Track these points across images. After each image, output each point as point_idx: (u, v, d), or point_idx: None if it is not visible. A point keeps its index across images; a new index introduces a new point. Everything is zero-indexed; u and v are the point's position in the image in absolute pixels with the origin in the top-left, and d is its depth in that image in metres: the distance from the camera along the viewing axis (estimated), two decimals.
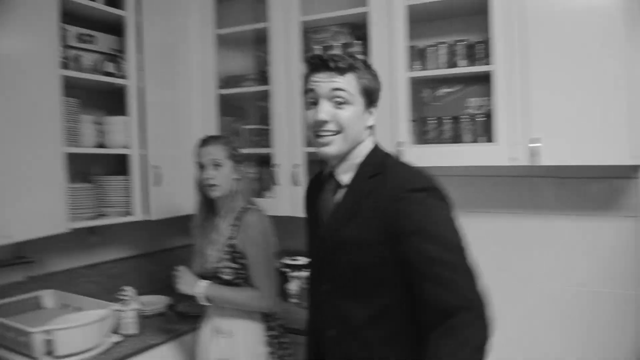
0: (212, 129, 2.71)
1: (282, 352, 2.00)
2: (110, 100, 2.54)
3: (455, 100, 2.31)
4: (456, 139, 2.29)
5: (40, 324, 1.85)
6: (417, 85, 2.36)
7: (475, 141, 2.24)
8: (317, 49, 2.54)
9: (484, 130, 2.21)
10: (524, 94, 2.04)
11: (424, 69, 2.33)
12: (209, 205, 2.05)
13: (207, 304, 1.94)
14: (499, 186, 2.41)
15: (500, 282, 2.33)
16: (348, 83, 1.31)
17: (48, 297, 2.27)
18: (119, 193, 2.41)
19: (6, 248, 2.17)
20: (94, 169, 2.56)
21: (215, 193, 1.97)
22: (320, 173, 1.54)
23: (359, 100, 1.33)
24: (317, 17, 2.51)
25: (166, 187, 2.45)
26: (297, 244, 2.07)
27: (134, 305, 2.14)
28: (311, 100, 1.34)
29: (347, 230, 1.32)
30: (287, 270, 2.63)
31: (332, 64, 1.30)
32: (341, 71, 1.31)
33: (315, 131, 1.33)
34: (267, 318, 1.99)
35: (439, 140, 2.32)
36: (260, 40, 2.75)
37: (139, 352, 2.00)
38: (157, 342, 2.09)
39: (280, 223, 2.24)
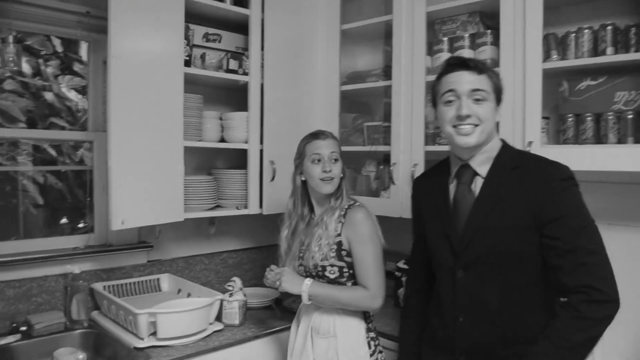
0: (334, 126, 2.67)
1: (378, 356, 1.89)
2: (235, 97, 2.62)
3: (599, 95, 1.95)
4: (599, 139, 1.94)
5: (153, 305, 1.96)
6: (553, 77, 2.05)
7: (622, 142, 1.88)
8: (444, 41, 2.36)
9: (634, 130, 1.85)
10: None
11: (562, 58, 2.02)
12: (304, 202, 2.00)
13: (309, 302, 1.87)
14: None
15: None
16: (484, 82, 1.47)
17: (165, 281, 2.43)
18: (236, 186, 2.48)
19: (132, 232, 2.36)
20: (219, 162, 2.69)
21: (329, 188, 1.89)
22: (436, 168, 1.72)
23: (492, 98, 1.49)
24: (444, 6, 2.32)
25: (278, 183, 2.46)
26: (408, 247, 1.92)
27: (238, 297, 2.18)
28: (450, 98, 1.49)
29: (492, 216, 1.45)
30: (399, 274, 2.48)
31: (471, 64, 1.48)
32: (479, 71, 1.47)
33: (455, 125, 1.48)
34: (366, 319, 1.90)
35: (577, 140, 2.00)
36: (388, 35, 2.64)
37: (237, 343, 2.03)
38: (256, 335, 2.11)
39: (391, 224, 2.13)
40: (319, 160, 1.90)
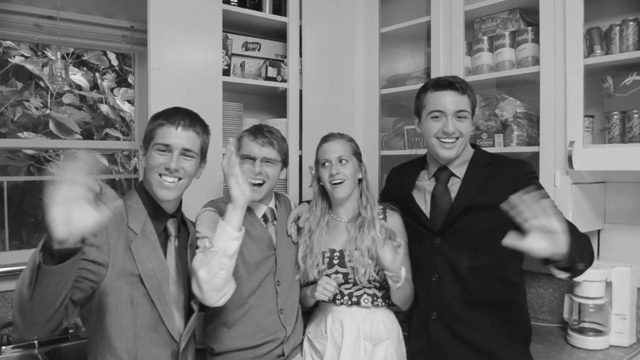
0: (374, 130, 2.68)
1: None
2: (275, 103, 2.66)
3: None
4: None
5: None
6: (597, 74, 1.96)
7: None
8: (484, 40, 2.30)
9: None
10: None
11: (607, 53, 1.93)
12: (322, 208, 1.95)
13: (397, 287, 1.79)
14: None
15: None
16: (466, 103, 1.72)
17: None
18: None
19: None
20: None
21: (340, 190, 1.83)
22: (409, 164, 1.99)
23: (470, 115, 1.74)
24: (484, 4, 2.27)
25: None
26: None
27: None
28: (437, 115, 1.72)
29: (477, 196, 1.70)
30: None
31: (457, 85, 1.71)
32: (462, 92, 1.71)
33: (439, 137, 1.72)
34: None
35: (623, 139, 1.90)
36: (430, 36, 2.60)
37: None
38: None
39: None
40: (325, 164, 1.86)
